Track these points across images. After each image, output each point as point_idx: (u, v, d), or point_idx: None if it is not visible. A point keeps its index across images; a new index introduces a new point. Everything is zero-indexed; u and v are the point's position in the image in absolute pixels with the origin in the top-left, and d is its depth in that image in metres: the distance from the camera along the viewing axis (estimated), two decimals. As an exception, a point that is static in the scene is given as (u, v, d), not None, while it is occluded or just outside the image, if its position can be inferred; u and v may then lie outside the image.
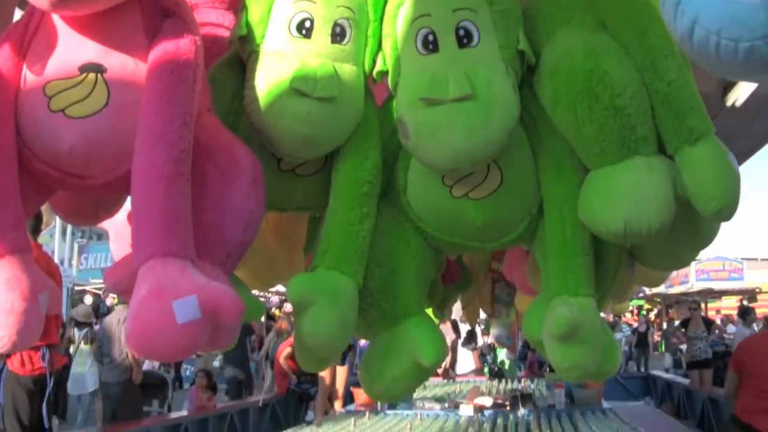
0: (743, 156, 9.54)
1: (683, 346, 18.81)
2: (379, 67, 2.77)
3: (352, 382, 11.14)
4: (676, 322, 23.04)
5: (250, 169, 2.52)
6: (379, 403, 8.66)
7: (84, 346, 11.50)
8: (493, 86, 2.52)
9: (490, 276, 7.18)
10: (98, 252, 25.48)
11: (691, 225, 2.73)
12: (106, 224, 3.03)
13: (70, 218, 3.05)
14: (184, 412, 10.96)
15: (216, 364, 15.94)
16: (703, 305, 22.94)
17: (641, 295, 27.21)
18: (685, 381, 14.23)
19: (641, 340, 21.78)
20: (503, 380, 11.92)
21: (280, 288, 21.32)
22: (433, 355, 2.59)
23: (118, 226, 3.00)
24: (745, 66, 1.60)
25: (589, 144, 2.56)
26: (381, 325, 2.71)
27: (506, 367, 14.59)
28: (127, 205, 2.64)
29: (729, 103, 6.91)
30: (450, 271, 4.84)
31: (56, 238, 23.25)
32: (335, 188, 2.73)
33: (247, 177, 2.50)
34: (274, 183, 2.74)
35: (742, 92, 6.76)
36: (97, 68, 2.31)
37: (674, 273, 28.37)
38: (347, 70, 2.69)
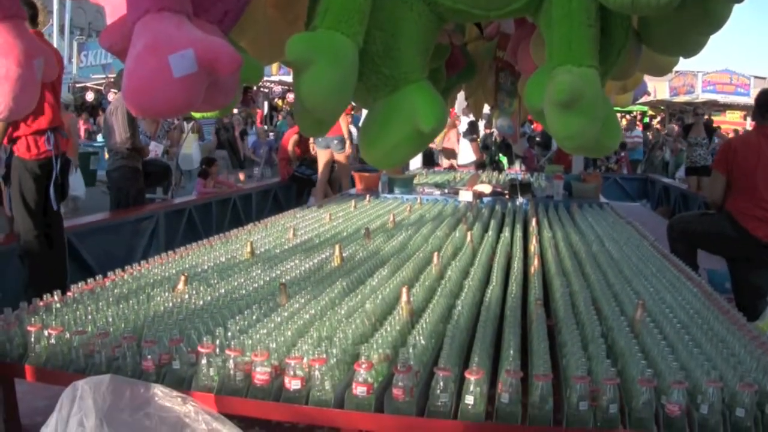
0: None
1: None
2: None
3: (354, 167, 11.30)
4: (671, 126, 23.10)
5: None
6: (380, 187, 8.78)
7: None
8: None
9: (495, 65, 7.10)
10: (98, 48, 25.37)
11: (702, 6, 2.65)
12: (101, -1, 2.93)
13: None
14: (186, 198, 11.12)
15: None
16: (706, 118, 22.87)
17: (645, 100, 27.05)
18: (684, 186, 14.31)
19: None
20: (503, 172, 12.09)
21: (284, 78, 21.34)
22: (433, 120, 2.56)
23: (114, 1, 2.91)
24: None
25: None
26: (381, 90, 2.67)
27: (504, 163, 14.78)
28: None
29: None
30: (454, 60, 4.77)
31: (54, 36, 23.10)
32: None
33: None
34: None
35: None
36: None
37: (680, 82, 28.21)
38: None
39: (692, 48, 2.99)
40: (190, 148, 15.55)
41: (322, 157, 11.77)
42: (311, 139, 13.10)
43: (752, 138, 6.25)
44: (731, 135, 19.58)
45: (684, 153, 21.17)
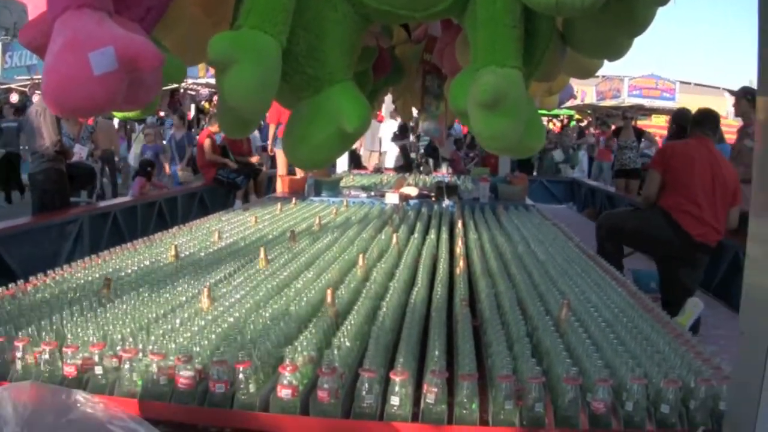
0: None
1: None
2: None
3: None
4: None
5: None
6: (306, 190, 8.76)
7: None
8: None
9: (422, 68, 7.14)
10: (23, 50, 24.88)
11: (626, 8, 2.68)
12: (23, -4, 2.86)
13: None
14: (111, 201, 10.97)
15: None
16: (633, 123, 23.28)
17: (571, 104, 27.37)
18: (609, 188, 14.48)
19: None
20: (429, 174, 12.16)
21: (211, 81, 21.30)
22: (356, 120, 2.56)
23: (36, -1, 2.85)
24: None
25: None
26: (305, 91, 2.66)
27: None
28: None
29: None
30: (381, 62, 4.77)
31: (-22, 37, 22.64)
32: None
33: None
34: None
35: None
36: None
37: (607, 87, 28.62)
38: None
39: (616, 51, 3.03)
40: (140, 148, 15.87)
41: (281, 156, 11.76)
42: (269, 143, 13.04)
43: (691, 144, 6.36)
44: (658, 138, 19.89)
45: (577, 154, 21.64)
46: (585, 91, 29.42)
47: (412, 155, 16.41)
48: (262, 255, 4.50)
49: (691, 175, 6.11)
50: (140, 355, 2.82)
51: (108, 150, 15.60)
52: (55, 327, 3.15)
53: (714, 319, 5.85)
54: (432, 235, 5.76)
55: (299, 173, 10.08)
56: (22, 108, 17.68)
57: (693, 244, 6.06)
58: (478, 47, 2.62)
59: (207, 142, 12.48)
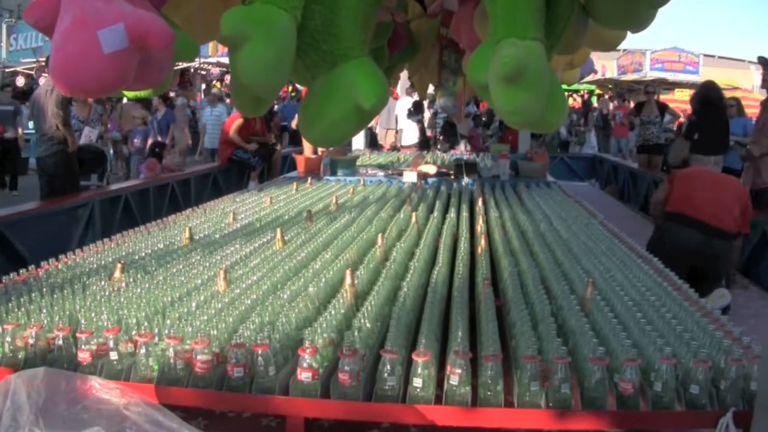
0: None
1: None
2: None
3: (296, 150, 11.18)
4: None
5: None
6: (322, 169, 8.70)
7: None
8: None
9: (438, 43, 7.06)
10: (28, 32, 24.83)
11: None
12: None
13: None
14: (123, 184, 10.89)
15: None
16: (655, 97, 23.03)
17: (592, 78, 27.12)
18: (632, 165, 14.29)
19: None
20: (447, 152, 12.08)
21: (222, 59, 21.06)
22: (373, 97, 2.49)
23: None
24: None
25: None
26: (321, 67, 2.59)
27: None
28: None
29: None
30: (396, 38, 4.71)
31: (-18, 20, 22.59)
32: None
33: None
34: None
35: None
36: None
37: (628, 60, 28.32)
38: None
39: (640, 22, 2.95)
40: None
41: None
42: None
43: (693, 172, 6.46)
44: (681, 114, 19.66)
45: (584, 133, 21.57)
46: (605, 65, 29.17)
47: (428, 131, 16.34)
48: (278, 236, 4.46)
49: (692, 186, 6.03)
50: (156, 339, 2.79)
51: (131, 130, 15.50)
52: (68, 312, 3.12)
53: (743, 299, 5.75)
54: (452, 214, 5.71)
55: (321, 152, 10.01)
56: (29, 92, 17.59)
57: (707, 230, 5.83)
58: (497, 19, 2.55)
59: (237, 122, 12.24)
